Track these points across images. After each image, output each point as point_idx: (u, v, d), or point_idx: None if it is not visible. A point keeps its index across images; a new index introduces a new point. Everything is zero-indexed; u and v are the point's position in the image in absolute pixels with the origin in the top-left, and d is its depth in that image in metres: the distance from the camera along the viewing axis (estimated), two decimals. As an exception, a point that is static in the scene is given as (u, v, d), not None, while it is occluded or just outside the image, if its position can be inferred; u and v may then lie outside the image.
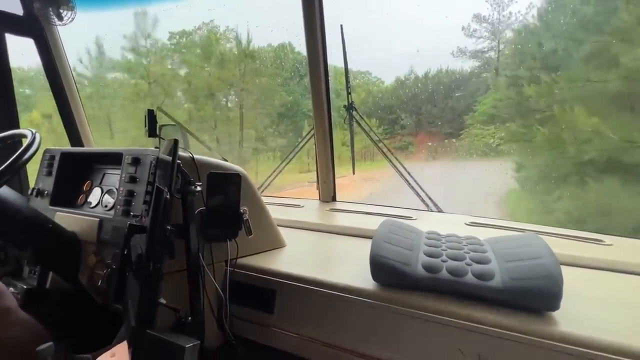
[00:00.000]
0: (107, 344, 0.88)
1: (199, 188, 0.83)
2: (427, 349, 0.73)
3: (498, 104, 4.18)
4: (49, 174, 1.18)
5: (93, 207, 1.11)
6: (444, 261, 0.77)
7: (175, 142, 0.74)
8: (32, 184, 1.24)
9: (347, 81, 1.54)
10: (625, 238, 1.08)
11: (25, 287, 1.08)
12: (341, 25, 1.42)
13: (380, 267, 0.77)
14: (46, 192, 1.16)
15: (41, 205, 1.14)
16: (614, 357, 0.57)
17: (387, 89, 5.28)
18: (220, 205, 0.90)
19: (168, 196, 0.73)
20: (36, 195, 1.18)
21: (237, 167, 1.02)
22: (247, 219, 0.94)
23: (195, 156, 0.91)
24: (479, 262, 0.76)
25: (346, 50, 1.47)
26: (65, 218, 1.07)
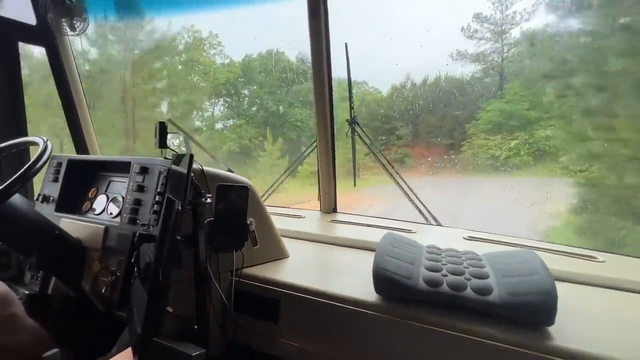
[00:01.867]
0: (109, 350, 0.89)
1: (209, 200, 0.85)
2: None
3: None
4: (56, 180, 1.19)
5: (98, 214, 1.12)
6: (444, 275, 0.80)
7: (191, 156, 0.77)
8: (37, 190, 1.25)
9: (350, 96, 1.59)
10: (616, 255, 1.12)
11: (27, 292, 1.08)
12: (346, 44, 1.48)
13: (383, 280, 0.80)
14: (52, 198, 1.17)
15: (47, 211, 1.15)
16: None
17: (383, 97, 4.96)
18: (228, 216, 0.92)
19: (180, 208, 0.75)
20: (42, 201, 1.19)
21: (244, 179, 1.04)
22: (254, 230, 0.96)
23: (204, 168, 0.94)
24: (477, 277, 0.78)
25: (349, 66, 1.53)
26: (70, 224, 1.08)
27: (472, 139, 4.06)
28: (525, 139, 3.73)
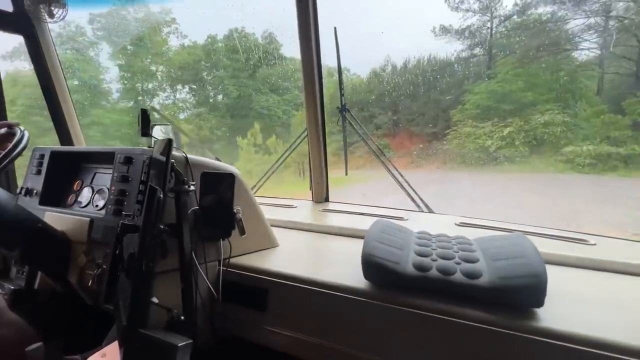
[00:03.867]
0: (97, 344, 0.88)
1: (192, 188, 0.83)
2: (417, 346, 0.74)
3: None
4: (39, 172, 1.16)
5: (83, 207, 1.10)
6: (433, 260, 0.79)
7: (169, 141, 0.74)
8: (20, 183, 1.22)
9: (341, 83, 1.56)
10: (608, 238, 1.12)
11: (12, 287, 1.06)
12: (335, 28, 1.44)
13: (371, 266, 0.79)
14: (35, 191, 1.15)
15: (30, 204, 1.12)
16: (592, 350, 0.59)
17: (362, 82, 4.38)
18: (213, 205, 0.90)
19: (161, 196, 0.73)
20: (25, 195, 1.16)
21: (231, 167, 1.02)
22: (241, 219, 0.94)
23: (189, 155, 0.92)
24: (467, 261, 0.78)
25: (339, 51, 1.49)
26: (54, 217, 1.06)
27: (457, 127, 3.50)
28: (520, 126, 3.20)
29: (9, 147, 0.86)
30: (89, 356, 0.80)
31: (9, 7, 1.40)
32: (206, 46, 5.54)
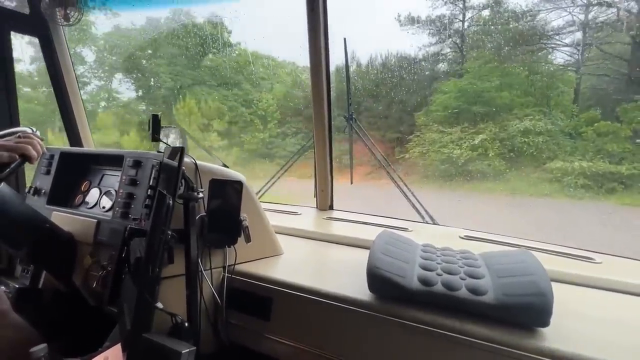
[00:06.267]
0: (99, 346, 0.88)
1: (201, 195, 0.84)
2: None
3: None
4: (48, 172, 1.18)
5: (90, 208, 1.11)
6: (439, 275, 0.79)
7: (182, 149, 0.75)
8: (29, 182, 1.23)
9: (349, 91, 1.57)
10: (614, 257, 1.11)
11: (17, 286, 1.07)
12: (345, 39, 1.46)
13: (377, 279, 0.79)
14: (43, 190, 1.16)
15: (38, 204, 1.13)
16: None
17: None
18: (221, 212, 0.90)
19: (171, 202, 0.74)
20: (33, 194, 1.17)
21: (238, 174, 1.03)
22: (247, 226, 0.94)
23: (198, 162, 0.92)
24: (472, 276, 0.77)
25: (348, 61, 1.51)
26: (62, 217, 1.07)
27: (422, 132, 2.84)
28: (495, 133, 2.59)
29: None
30: (91, 359, 0.80)
31: (25, 10, 1.43)
32: (144, 29, 4.76)
